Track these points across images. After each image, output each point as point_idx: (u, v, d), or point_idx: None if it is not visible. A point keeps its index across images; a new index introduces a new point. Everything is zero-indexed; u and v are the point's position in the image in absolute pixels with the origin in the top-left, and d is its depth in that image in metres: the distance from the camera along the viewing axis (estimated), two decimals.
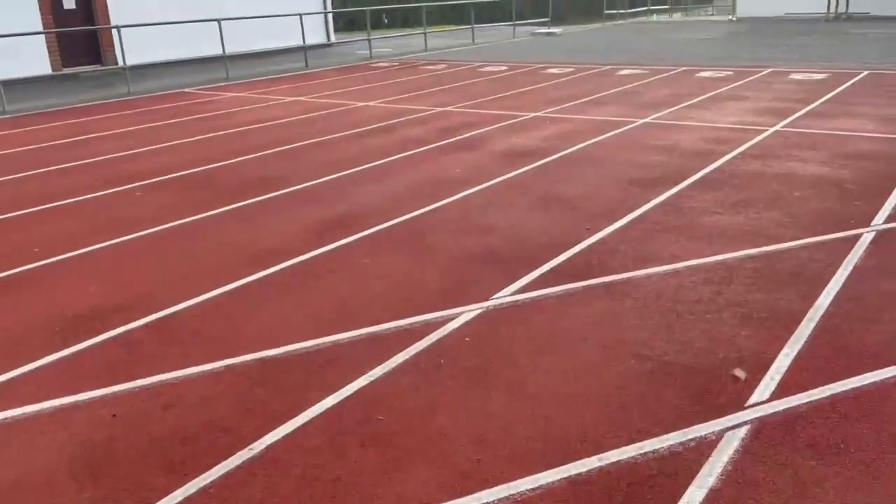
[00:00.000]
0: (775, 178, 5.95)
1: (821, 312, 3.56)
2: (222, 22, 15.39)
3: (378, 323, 3.65)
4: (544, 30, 24.17)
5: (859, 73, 11.60)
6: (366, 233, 5.06)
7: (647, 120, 8.64)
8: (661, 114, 8.98)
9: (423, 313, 3.74)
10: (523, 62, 15.71)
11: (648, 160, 6.72)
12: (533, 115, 9.37)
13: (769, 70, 12.50)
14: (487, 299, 3.89)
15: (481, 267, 4.35)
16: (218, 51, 14.77)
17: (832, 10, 24.44)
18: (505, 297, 3.91)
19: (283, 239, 5.02)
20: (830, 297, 3.72)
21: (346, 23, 33.08)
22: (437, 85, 12.74)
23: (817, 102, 9.24)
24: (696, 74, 12.45)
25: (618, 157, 6.93)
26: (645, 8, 30.58)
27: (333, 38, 21.39)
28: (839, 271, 4.05)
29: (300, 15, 15.93)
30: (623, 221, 5.06)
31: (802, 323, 3.47)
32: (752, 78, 11.70)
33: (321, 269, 4.45)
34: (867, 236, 4.56)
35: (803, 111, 8.72)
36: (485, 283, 4.09)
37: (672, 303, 3.74)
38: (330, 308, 3.87)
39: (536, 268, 4.29)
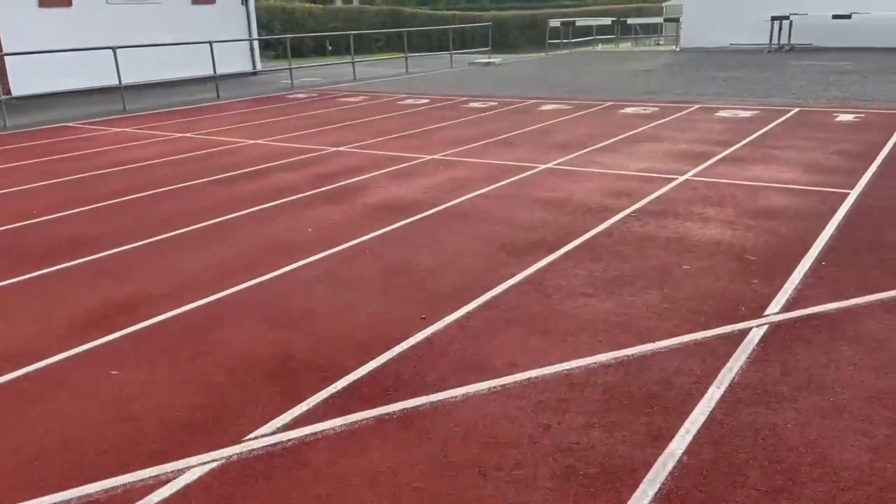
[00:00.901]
0: (668, 244, 5.07)
1: (669, 467, 2.62)
2: (137, 49, 14.35)
3: (50, 492, 2.61)
4: (483, 59, 23.47)
5: (789, 111, 10.95)
6: (141, 325, 4.01)
7: (550, 165, 7.77)
8: (567, 158, 8.13)
9: (133, 470, 2.71)
10: (448, 95, 14.87)
11: (532, 218, 5.81)
12: (431, 157, 8.45)
13: (697, 106, 11.80)
14: (239, 440, 2.88)
15: (260, 384, 3.33)
16: (123, 80, 13.64)
17: (775, 41, 24.20)
18: (265, 436, 2.91)
19: (38, 332, 3.96)
20: (688, 440, 2.79)
21: (286, 50, 32.14)
22: (345, 120, 11.80)
23: (739, 145, 8.48)
24: (621, 110, 11.70)
25: (501, 212, 6.01)
26: (591, 38, 30.17)
27: (260, 66, 20.37)
28: (710, 391, 3.12)
29: (209, 42, 14.89)
30: (471, 306, 4.11)
31: (640, 488, 2.52)
32: (677, 115, 10.97)
33: (46, 385, 3.40)
34: (756, 333, 3.66)
35: (721, 155, 7.93)
36: (250, 413, 3.08)
37: (478, 449, 2.77)
38: (11, 459, 2.81)
39: (331, 383, 3.30)
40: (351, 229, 5.68)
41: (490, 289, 4.36)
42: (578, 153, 8.36)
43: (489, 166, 7.84)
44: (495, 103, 13.25)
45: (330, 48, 32.99)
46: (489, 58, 23.80)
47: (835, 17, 22.84)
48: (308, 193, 6.90)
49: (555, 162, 7.92)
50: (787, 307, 3.96)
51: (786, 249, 4.86)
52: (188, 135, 10.77)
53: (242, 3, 19.55)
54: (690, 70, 18.43)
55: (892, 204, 5.83)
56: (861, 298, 4.04)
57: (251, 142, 9.97)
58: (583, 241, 5.21)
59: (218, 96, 15.29)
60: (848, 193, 6.19)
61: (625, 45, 32.82)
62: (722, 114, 10.95)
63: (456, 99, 14.10)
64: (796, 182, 6.67)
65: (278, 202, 6.61)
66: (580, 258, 4.86)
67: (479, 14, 46.81)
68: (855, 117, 10.19)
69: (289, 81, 17.78)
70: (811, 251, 4.81)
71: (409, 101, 14.02)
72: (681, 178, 6.95)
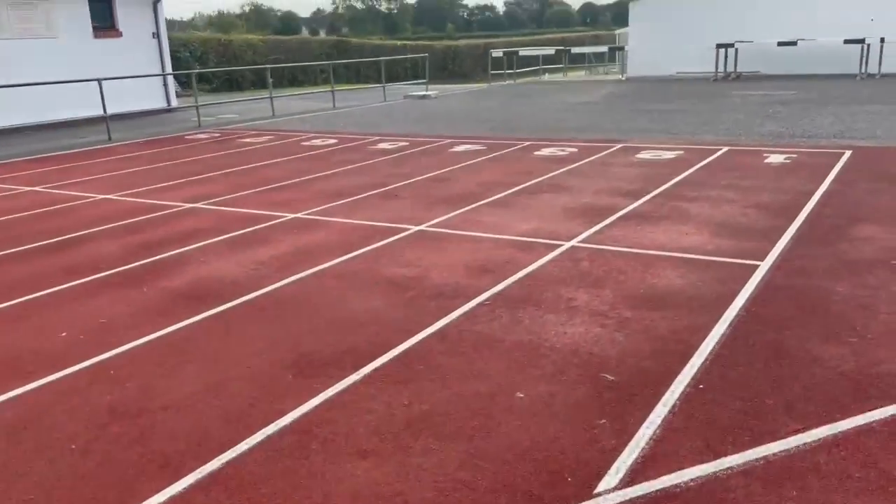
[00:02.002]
0: (511, 352, 3.87)
1: None
2: (21, 88, 13.04)
3: None
4: (420, 92, 22.43)
5: (717, 150, 9.92)
6: None
7: (424, 227, 6.57)
8: (450, 216, 6.94)
9: None
10: (362, 133, 13.69)
11: (361, 310, 4.58)
12: (294, 216, 7.21)
13: (619, 146, 10.73)
14: None
15: None
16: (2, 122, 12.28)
17: (721, 69, 23.52)
18: None
19: None
20: None
21: (223, 83, 30.86)
22: (228, 167, 10.53)
23: (647, 197, 7.37)
24: (536, 152, 10.59)
25: (328, 301, 4.78)
26: (537, 67, 29.35)
27: (175, 103, 19.05)
28: None
29: (98, 80, 13.57)
30: (186, 481, 2.85)
31: None
32: (593, 157, 9.88)
33: None
34: None
35: (623, 211, 6.80)
36: None
37: None
38: None
39: None
40: (115, 333, 4.39)
41: (234, 444, 3.10)
42: (465, 209, 7.18)
43: (354, 228, 6.62)
44: (406, 143, 12.09)
45: (271, 80, 31.80)
46: (426, 89, 22.76)
47: (780, 44, 22.22)
48: (106, 273, 5.59)
49: (432, 222, 6.73)
50: (631, 477, 2.75)
51: (659, 362, 3.68)
52: (37, 188, 9.42)
53: (154, 36, 18.28)
54: (628, 102, 17.51)
55: (805, 284, 4.70)
56: (737, 456, 2.85)
57: (102, 197, 8.65)
58: (405, 348, 3.98)
59: (109, 138, 13.93)
60: (757, 266, 5.05)
61: (576, 74, 32.10)
62: (642, 155, 9.87)
63: (367, 139, 12.92)
64: (699, 249, 5.53)
65: (60, 287, 5.30)
66: (388, 380, 3.62)
67: (431, 44, 46.12)
68: (786, 158, 9.18)
69: (208, 118, 16.49)
70: (691, 364, 3.64)
71: (314, 142, 12.81)
72: (566, 246, 5.78)
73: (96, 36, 17.03)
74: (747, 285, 4.69)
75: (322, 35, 67.74)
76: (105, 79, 13.77)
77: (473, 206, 7.33)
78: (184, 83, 23.32)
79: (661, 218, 6.50)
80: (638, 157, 9.72)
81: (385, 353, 3.93)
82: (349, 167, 10.02)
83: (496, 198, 7.64)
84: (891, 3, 22.07)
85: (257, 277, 5.33)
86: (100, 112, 14.01)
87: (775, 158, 9.20)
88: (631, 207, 6.95)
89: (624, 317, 4.28)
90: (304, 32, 46.65)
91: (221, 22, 65.59)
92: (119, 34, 17.56)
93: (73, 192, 9.00)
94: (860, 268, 4.93)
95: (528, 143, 11.51)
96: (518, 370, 3.66)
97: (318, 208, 7.51)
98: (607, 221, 6.46)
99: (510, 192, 7.92)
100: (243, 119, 17.19)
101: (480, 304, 4.58)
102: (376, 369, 3.75)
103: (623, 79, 26.01)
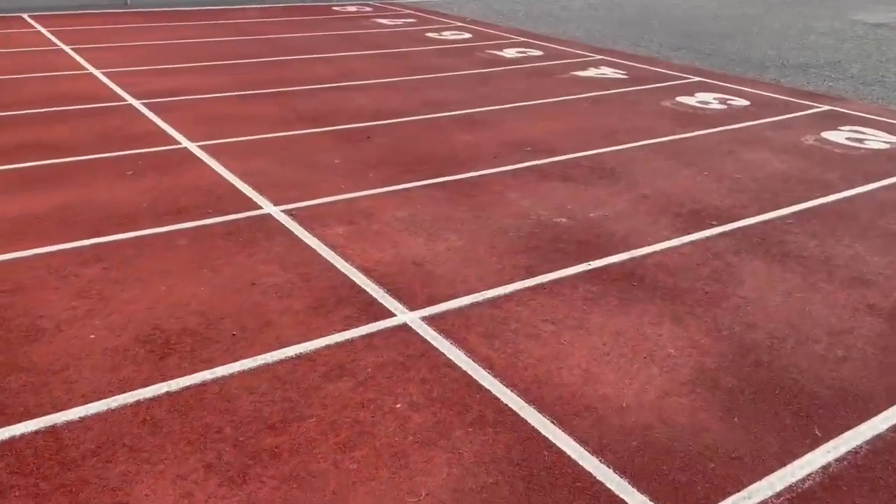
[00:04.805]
0: None
1: None
2: None
3: None
4: None
5: None
6: None
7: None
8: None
9: None
10: (511, 31, 10.82)
11: None
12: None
13: None
14: None
15: None
16: None
17: None
18: None
19: None
20: None
21: None
22: (277, 53, 8.63)
23: None
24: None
25: None
26: None
27: None
28: None
29: None
30: None
31: None
32: None
33: None
34: None
35: None
36: None
37: None
38: None
39: None
40: None
41: None
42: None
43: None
44: (541, 52, 9.11)
45: None
46: None
47: None
48: None
49: None
50: None
51: None
52: (66, 48, 8.41)
53: None
54: None
55: None
56: None
57: (108, 71, 7.32)
58: None
59: None
60: None
61: None
62: None
63: (507, 38, 10.07)
64: None
65: None
66: None
67: None
68: None
69: None
70: None
71: (444, 34, 10.31)
72: None
73: None
74: None
75: None
76: None
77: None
78: None
79: None
80: None
81: None
82: (429, 75, 7.56)
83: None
84: None
85: None
86: None
87: None
88: None
89: None
90: None
91: None
92: None
93: (78, 60, 7.82)
94: None
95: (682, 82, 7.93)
96: None
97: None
98: None
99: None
100: None
101: None
102: None
103: None
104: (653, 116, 6.32)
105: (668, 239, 3.92)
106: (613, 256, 3.69)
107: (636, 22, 12.04)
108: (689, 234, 4.00)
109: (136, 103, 6.18)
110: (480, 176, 4.77)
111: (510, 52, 9.04)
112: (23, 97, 6.25)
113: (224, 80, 7.09)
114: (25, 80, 6.82)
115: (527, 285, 3.37)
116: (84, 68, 7.42)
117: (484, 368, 2.73)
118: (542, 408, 2.52)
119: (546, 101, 6.75)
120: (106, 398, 2.51)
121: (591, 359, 2.82)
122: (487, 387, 2.63)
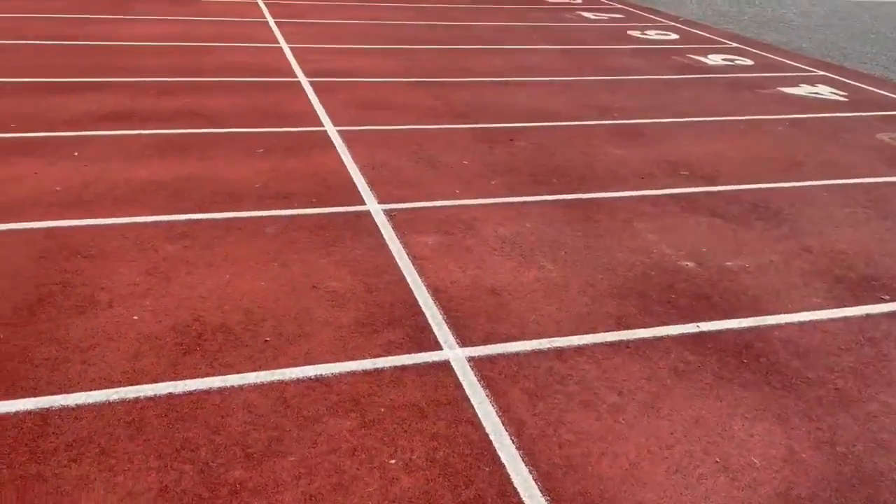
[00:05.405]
0: None
1: None
2: None
3: None
4: None
5: None
6: None
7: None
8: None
9: None
10: (724, 35, 9.75)
11: None
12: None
13: None
14: None
15: None
16: None
17: None
18: None
19: None
20: None
21: None
22: (480, 42, 8.40)
23: None
24: None
25: None
26: None
27: None
28: None
29: None
30: None
31: None
32: None
33: None
34: None
35: None
36: None
37: None
38: None
39: None
40: None
41: None
42: None
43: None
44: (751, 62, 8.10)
45: None
46: None
47: None
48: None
49: None
50: None
51: None
52: (271, 20, 8.81)
53: None
54: None
55: None
56: None
57: (295, 46, 7.58)
58: None
59: None
60: None
61: None
62: None
63: (715, 43, 9.10)
64: None
65: None
66: None
67: None
68: None
69: None
70: None
71: (649, 34, 9.54)
72: None
73: None
74: None
75: None
76: None
77: None
78: None
79: None
80: None
81: None
82: (609, 77, 7.03)
83: None
84: None
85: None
86: None
87: None
88: None
89: None
90: None
91: None
92: None
93: (274, 34, 8.15)
94: None
95: None
96: None
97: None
98: None
99: None
100: None
101: None
102: None
103: None
104: (860, 151, 5.31)
105: (816, 309, 3.18)
106: (733, 320, 3.05)
107: (881, 36, 10.40)
108: (846, 305, 3.22)
109: (305, 81, 6.29)
110: (615, 198, 4.23)
111: (714, 59, 8.15)
112: (204, 65, 6.60)
113: (396, 64, 7.04)
114: (214, 49, 7.23)
115: (609, 339, 2.87)
116: (276, 42, 7.73)
117: (510, 435, 2.32)
118: (554, 502, 2.07)
119: (732, 118, 5.94)
120: (110, 388, 2.44)
121: (645, 449, 2.29)
122: (504, 460, 2.22)
